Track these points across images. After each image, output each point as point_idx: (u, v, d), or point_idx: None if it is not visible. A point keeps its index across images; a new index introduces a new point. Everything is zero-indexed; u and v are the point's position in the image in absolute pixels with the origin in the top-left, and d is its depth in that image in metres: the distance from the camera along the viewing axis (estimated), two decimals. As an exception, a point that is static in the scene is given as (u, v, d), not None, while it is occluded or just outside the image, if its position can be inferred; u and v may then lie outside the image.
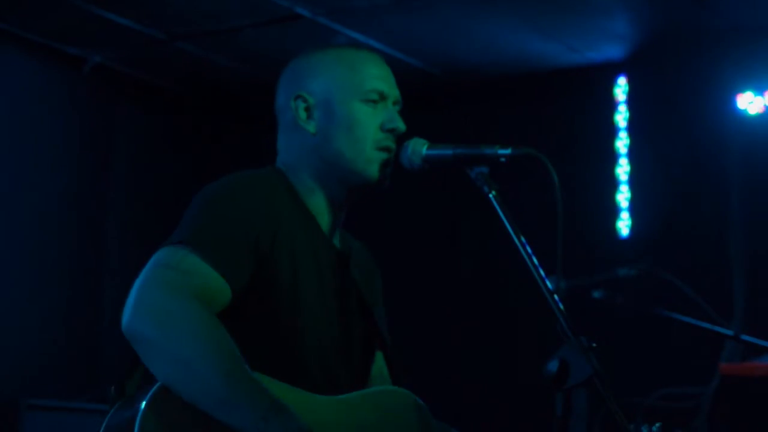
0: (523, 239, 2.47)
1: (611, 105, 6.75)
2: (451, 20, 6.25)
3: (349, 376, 2.73)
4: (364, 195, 2.80)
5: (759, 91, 6.25)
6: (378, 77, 2.78)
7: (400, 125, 2.75)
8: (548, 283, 2.42)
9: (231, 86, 7.30)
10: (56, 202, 6.82)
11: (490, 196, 2.52)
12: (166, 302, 2.41)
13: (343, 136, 2.73)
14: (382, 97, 2.76)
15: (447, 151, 2.62)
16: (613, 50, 6.61)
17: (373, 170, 2.73)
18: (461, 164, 2.60)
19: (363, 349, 2.83)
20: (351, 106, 2.74)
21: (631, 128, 6.69)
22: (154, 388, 2.38)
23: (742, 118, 6.29)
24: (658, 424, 2.65)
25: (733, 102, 6.29)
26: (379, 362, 2.91)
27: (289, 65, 2.86)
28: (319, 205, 2.77)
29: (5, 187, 6.53)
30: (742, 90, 6.28)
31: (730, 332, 4.48)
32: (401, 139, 2.73)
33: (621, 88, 6.74)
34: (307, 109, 2.77)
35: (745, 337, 4.47)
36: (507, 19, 6.20)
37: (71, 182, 6.93)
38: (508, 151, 2.56)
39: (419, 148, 2.66)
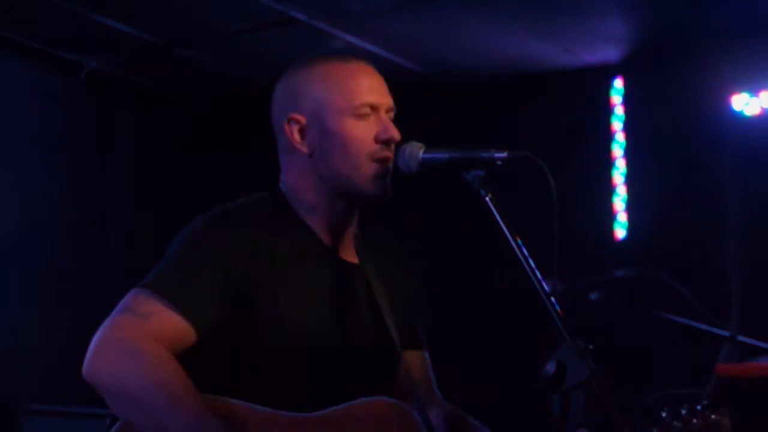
0: (519, 242, 2.48)
1: (607, 107, 6.74)
2: (447, 23, 6.25)
3: (360, 388, 2.71)
4: (368, 207, 2.82)
5: (754, 92, 6.26)
6: (367, 90, 2.77)
7: (395, 134, 2.75)
8: (545, 286, 2.43)
9: (228, 90, 7.31)
10: (55, 207, 6.83)
11: (487, 199, 2.53)
12: (119, 347, 2.52)
13: (338, 154, 2.73)
14: (374, 108, 2.75)
15: (443, 155, 2.64)
16: (609, 52, 6.61)
17: (371, 184, 2.73)
18: (458, 167, 2.61)
19: (376, 362, 2.82)
20: (343, 123, 2.74)
21: (627, 130, 6.69)
22: (115, 426, 2.55)
23: (738, 119, 6.29)
24: (703, 403, 2.64)
25: (728, 104, 6.30)
26: (408, 366, 2.90)
27: (277, 87, 2.85)
28: (322, 222, 2.78)
29: (3, 192, 6.54)
30: (737, 92, 6.29)
31: (726, 333, 4.48)
32: (397, 145, 2.74)
33: (617, 90, 6.74)
34: (301, 131, 2.77)
35: (742, 338, 4.48)
36: (502, 21, 6.21)
37: (69, 187, 6.93)
38: (504, 155, 2.57)
39: (416, 151, 2.67)
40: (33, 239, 6.66)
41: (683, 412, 2.61)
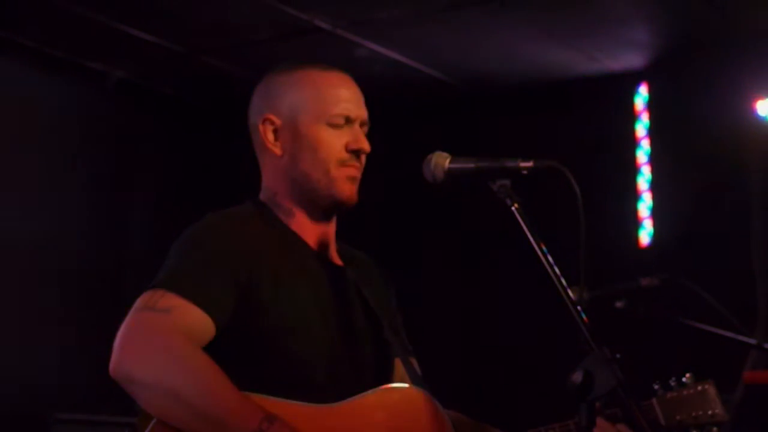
0: (545, 250, 2.49)
1: (632, 113, 6.73)
2: (471, 31, 6.25)
3: (362, 386, 2.74)
4: (340, 212, 2.88)
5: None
6: (345, 100, 2.84)
7: (365, 146, 2.83)
8: (571, 294, 2.43)
9: (253, 99, 7.33)
10: (81, 217, 6.86)
11: (513, 208, 2.54)
12: (148, 341, 2.52)
13: (309, 158, 2.81)
14: (348, 120, 2.83)
15: (469, 165, 2.64)
16: (633, 59, 6.60)
17: (338, 189, 2.81)
18: (483, 177, 2.62)
19: (375, 359, 2.87)
20: (316, 128, 2.81)
21: (652, 136, 6.68)
22: (150, 425, 2.49)
23: (762, 124, 6.27)
24: (688, 374, 2.92)
25: (753, 109, 6.28)
26: (401, 370, 2.93)
27: (258, 86, 2.94)
28: (303, 224, 2.85)
29: (31, 201, 6.57)
30: (762, 96, 6.27)
31: (753, 341, 4.47)
32: (422, 155, 2.74)
33: (641, 97, 6.73)
34: (275, 131, 2.85)
35: (769, 346, 4.46)
36: (527, 28, 6.21)
37: (95, 196, 6.96)
38: (530, 164, 2.58)
39: (442, 161, 2.68)
40: (57, 247, 6.68)
41: (672, 384, 2.94)
